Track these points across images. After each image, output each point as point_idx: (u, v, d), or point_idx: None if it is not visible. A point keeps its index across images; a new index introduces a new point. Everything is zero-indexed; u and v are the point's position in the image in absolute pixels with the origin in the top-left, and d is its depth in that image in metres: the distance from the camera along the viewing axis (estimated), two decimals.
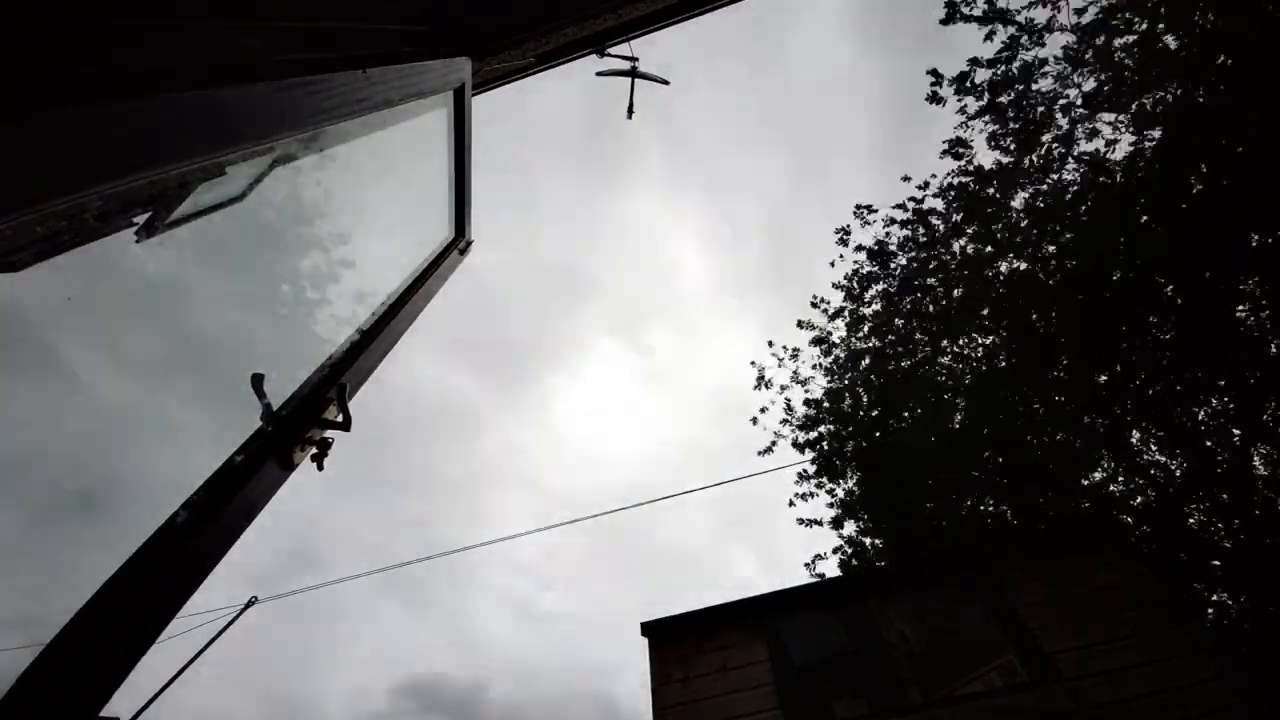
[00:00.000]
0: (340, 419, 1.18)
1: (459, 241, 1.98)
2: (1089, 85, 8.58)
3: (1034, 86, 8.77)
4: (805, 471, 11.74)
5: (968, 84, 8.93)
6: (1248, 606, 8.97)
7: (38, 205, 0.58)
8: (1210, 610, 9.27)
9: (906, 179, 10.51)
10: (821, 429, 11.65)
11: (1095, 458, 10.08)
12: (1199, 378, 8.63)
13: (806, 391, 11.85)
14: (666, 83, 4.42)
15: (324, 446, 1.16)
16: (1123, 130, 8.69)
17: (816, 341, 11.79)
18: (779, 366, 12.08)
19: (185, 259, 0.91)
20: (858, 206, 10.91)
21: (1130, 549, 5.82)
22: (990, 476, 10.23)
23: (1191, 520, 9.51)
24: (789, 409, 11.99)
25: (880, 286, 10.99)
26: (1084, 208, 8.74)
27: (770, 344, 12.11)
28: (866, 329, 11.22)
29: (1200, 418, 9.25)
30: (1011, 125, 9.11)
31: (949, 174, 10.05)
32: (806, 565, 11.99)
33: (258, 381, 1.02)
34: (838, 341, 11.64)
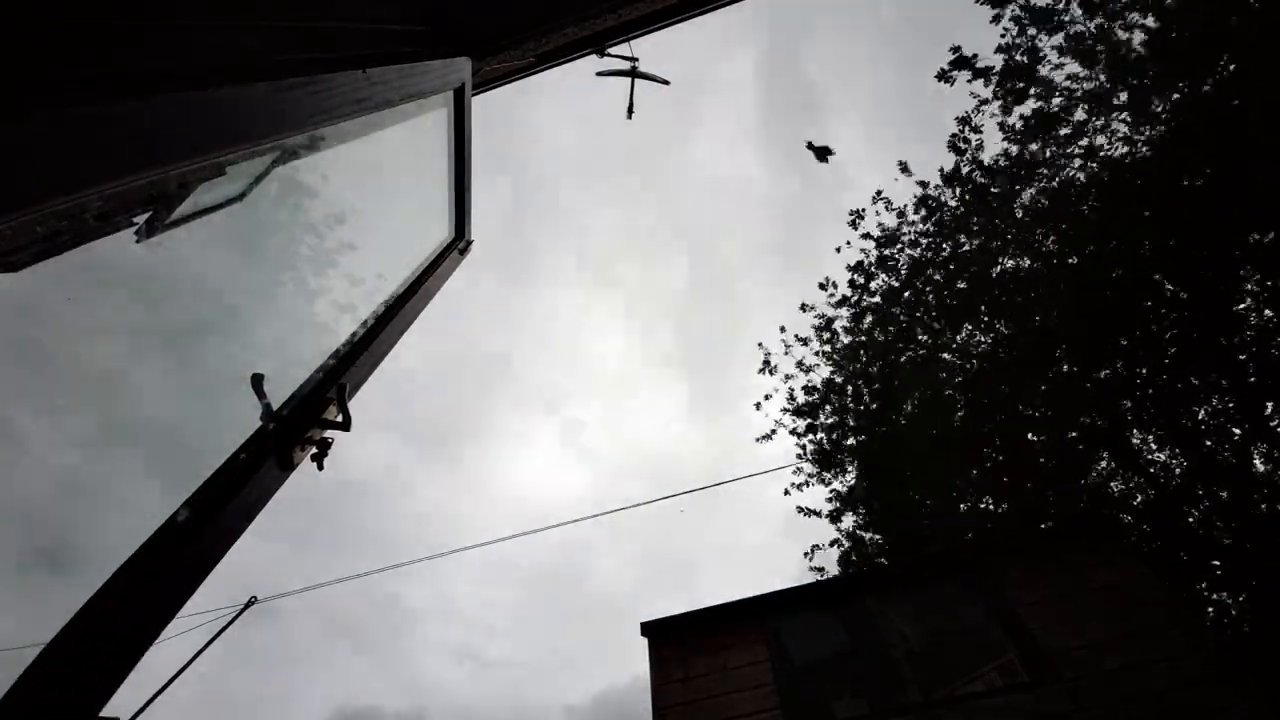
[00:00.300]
0: (340, 419, 1.18)
1: (459, 242, 1.98)
2: (1096, 81, 8.60)
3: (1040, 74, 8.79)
4: (804, 449, 11.91)
5: (977, 66, 8.94)
6: (1248, 606, 8.97)
7: (38, 205, 0.58)
8: (1210, 610, 9.27)
9: (904, 168, 10.60)
10: (821, 418, 11.78)
11: (1095, 457, 10.08)
12: (1199, 377, 8.63)
13: (808, 378, 11.98)
14: (667, 83, 4.41)
15: (324, 446, 1.16)
16: (1127, 127, 8.70)
17: (819, 329, 11.90)
18: (785, 354, 12.23)
19: (185, 259, 0.91)
20: (877, 193, 11.01)
21: (1130, 549, 5.82)
22: (990, 476, 10.23)
23: (1191, 520, 9.51)
24: (791, 398, 12.14)
25: (882, 280, 11.07)
26: (1086, 206, 8.74)
27: (782, 329, 12.27)
28: (868, 321, 11.28)
29: (1200, 417, 9.25)
30: (1022, 116, 9.12)
31: (949, 170, 10.09)
32: (805, 554, 12.21)
33: (258, 381, 1.02)
34: (840, 330, 11.74)
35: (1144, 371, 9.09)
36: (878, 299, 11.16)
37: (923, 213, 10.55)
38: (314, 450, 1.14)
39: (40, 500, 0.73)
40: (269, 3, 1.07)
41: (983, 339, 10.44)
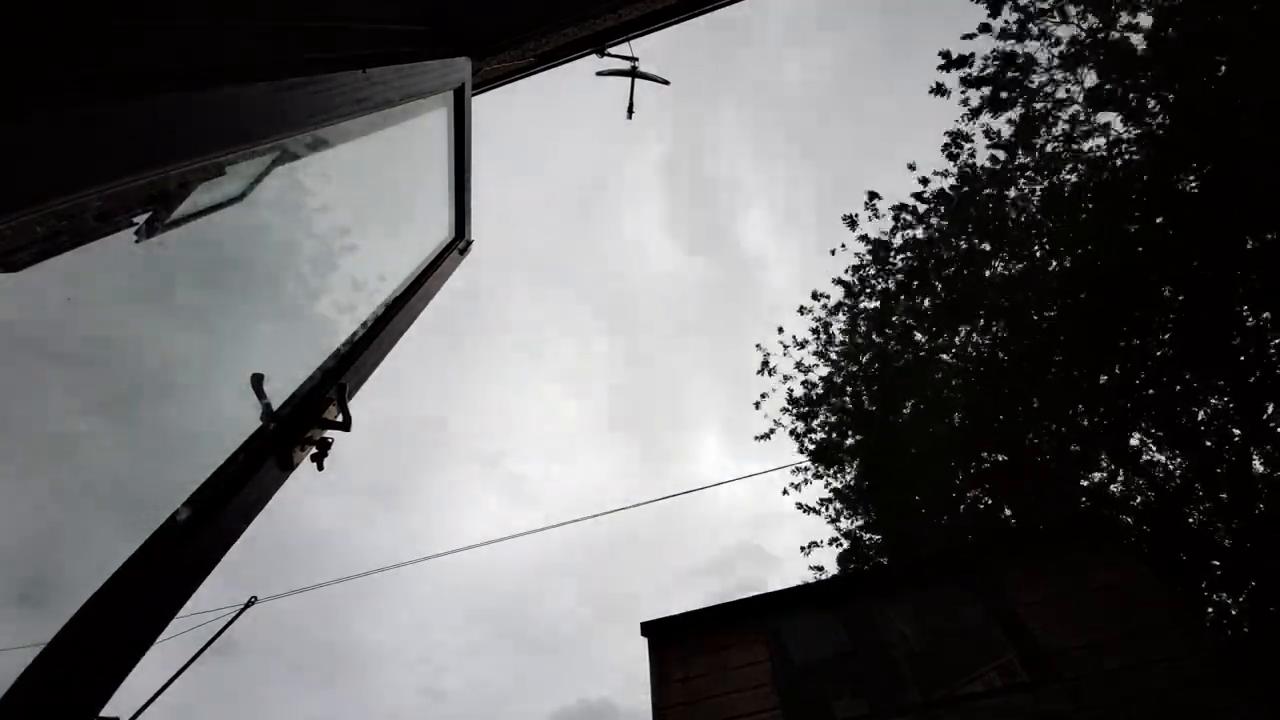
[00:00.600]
0: (340, 419, 1.18)
1: (459, 242, 1.99)
2: (1090, 81, 8.62)
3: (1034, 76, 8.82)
4: (804, 445, 11.97)
5: (969, 71, 8.99)
6: (1248, 606, 8.97)
7: (38, 205, 0.58)
8: (1210, 610, 9.27)
9: (912, 167, 10.61)
10: (821, 417, 11.84)
11: (1095, 458, 10.08)
12: (1199, 378, 8.63)
13: (806, 376, 12.03)
14: (667, 83, 4.42)
15: (324, 446, 1.16)
16: (1123, 127, 8.71)
17: (817, 331, 11.95)
18: (784, 355, 12.29)
19: (185, 259, 0.91)
20: (870, 194, 11.03)
21: (1130, 549, 5.82)
22: (990, 476, 10.24)
23: (1191, 520, 9.51)
24: (791, 399, 12.21)
25: (878, 285, 11.08)
26: (1083, 207, 8.74)
27: (780, 330, 12.40)
28: (864, 325, 11.32)
29: (1200, 418, 9.25)
30: (1010, 118, 9.15)
31: (944, 172, 10.12)
32: (803, 549, 12.29)
33: (258, 381, 1.02)
34: (836, 333, 11.80)
35: (1144, 372, 9.09)
36: (875, 303, 11.20)
37: (923, 210, 10.57)
38: (314, 450, 1.14)
39: (40, 500, 0.73)
40: (269, 3, 1.07)
41: (980, 341, 10.46)
